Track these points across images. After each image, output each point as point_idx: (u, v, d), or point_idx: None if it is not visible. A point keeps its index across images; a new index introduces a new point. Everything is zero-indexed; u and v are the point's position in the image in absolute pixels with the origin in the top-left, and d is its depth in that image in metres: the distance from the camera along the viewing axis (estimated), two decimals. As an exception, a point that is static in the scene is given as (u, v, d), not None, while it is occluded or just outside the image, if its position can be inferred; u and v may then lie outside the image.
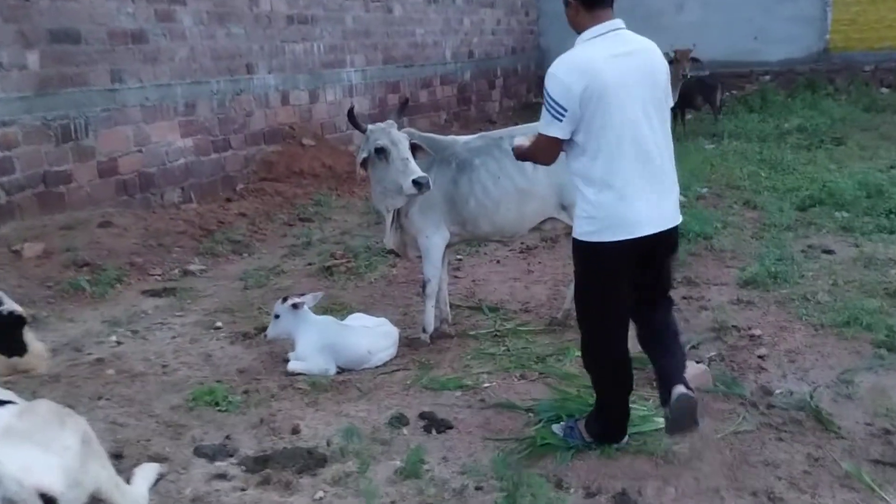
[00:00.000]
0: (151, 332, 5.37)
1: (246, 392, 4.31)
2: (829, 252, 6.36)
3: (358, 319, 4.83)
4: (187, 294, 6.16)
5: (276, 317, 4.55)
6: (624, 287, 3.38)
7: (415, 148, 4.69)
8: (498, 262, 6.77)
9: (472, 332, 5.17)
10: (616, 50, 3.23)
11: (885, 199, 7.60)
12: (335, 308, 5.65)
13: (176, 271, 6.76)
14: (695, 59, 12.16)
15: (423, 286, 4.98)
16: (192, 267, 6.85)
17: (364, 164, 4.67)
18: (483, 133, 5.36)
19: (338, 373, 4.57)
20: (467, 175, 4.86)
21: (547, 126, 3.27)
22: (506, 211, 4.83)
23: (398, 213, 4.91)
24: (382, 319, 4.89)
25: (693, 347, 4.66)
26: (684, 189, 8.67)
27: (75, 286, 6.12)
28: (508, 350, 4.79)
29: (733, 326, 4.94)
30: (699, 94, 13.14)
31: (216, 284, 6.45)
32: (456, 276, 6.42)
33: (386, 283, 6.33)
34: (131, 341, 5.19)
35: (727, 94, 14.46)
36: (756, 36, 16.73)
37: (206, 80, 9.38)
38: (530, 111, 16.39)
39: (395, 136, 4.58)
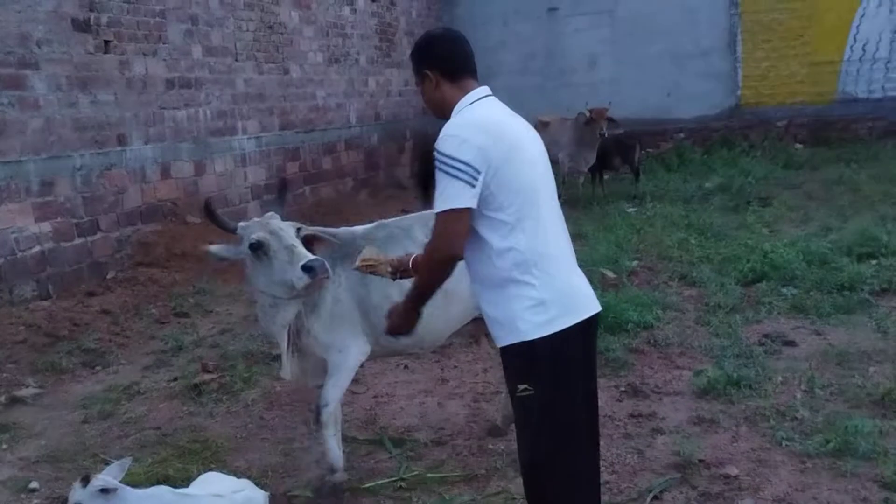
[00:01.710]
0: (-61, 501, 4.02)
1: None
2: (791, 343, 5.46)
3: (207, 484, 3.58)
4: (6, 434, 4.81)
5: (78, 506, 3.27)
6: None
7: (312, 240, 3.70)
8: (406, 367, 5.64)
9: (368, 485, 3.99)
10: (505, 111, 2.80)
11: (833, 272, 6.82)
12: (193, 449, 4.41)
13: (1, 398, 5.37)
14: (611, 119, 11.61)
15: (318, 412, 3.85)
16: (23, 391, 5.47)
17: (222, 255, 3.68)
18: (381, 221, 4.28)
19: (180, 566, 3.32)
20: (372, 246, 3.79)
21: (455, 196, 2.56)
22: (429, 318, 3.70)
23: (294, 334, 3.80)
24: (243, 482, 3.63)
25: (656, 498, 3.60)
26: (613, 262, 7.93)
27: None
28: (416, 515, 3.63)
29: (700, 461, 3.91)
30: (617, 154, 12.55)
31: (48, 416, 5.11)
32: (352, 392, 5.24)
33: (265, 406, 5.10)
34: None
35: (644, 152, 13.90)
36: (669, 93, 16.41)
37: (66, 154, 8.09)
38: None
39: (275, 226, 3.56)
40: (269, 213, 3.69)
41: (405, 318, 2.86)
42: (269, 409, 5.04)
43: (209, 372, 5.61)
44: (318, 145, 12.70)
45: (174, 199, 9.53)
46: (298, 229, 3.64)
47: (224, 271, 8.75)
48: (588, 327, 2.71)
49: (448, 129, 2.62)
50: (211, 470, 4.07)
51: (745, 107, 16.32)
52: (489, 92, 2.79)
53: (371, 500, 3.84)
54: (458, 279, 3.70)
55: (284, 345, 3.79)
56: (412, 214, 4.55)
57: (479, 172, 2.56)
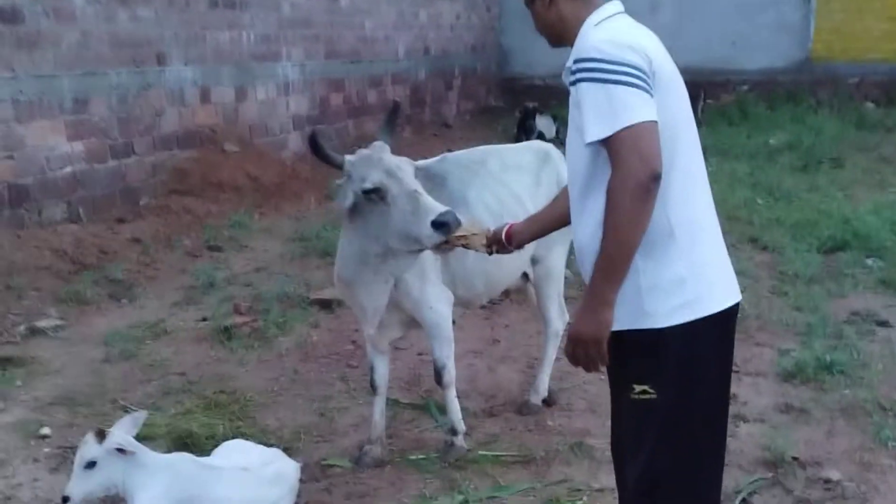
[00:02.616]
0: (-57, 442, 3.67)
1: None
2: (885, 324, 4.91)
3: (233, 453, 3.15)
4: (22, 369, 4.45)
5: (91, 465, 2.86)
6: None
7: None
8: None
9: (414, 457, 3.55)
10: (651, 34, 2.15)
11: (925, 244, 6.21)
12: (220, 402, 4.00)
13: (21, 329, 5.01)
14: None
15: (439, 376, 3.52)
16: (44, 322, 5.09)
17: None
18: (445, 155, 3.85)
19: (200, 542, 2.92)
20: (464, 213, 3.27)
21: (636, 105, 1.94)
22: (499, 262, 3.28)
23: None
24: (272, 452, 3.22)
25: (744, 502, 3.12)
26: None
27: None
28: (467, 502, 3.17)
29: (794, 459, 3.41)
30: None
31: (68, 352, 4.73)
32: (395, 348, 4.80)
33: (300, 357, 4.67)
34: None
35: (706, 102, 13.16)
36: (734, 42, 15.53)
37: (102, 71, 7.62)
38: (490, 115, 14.90)
39: (392, 164, 2.97)
40: (378, 144, 3.09)
41: (598, 317, 2.02)
42: (303, 361, 4.61)
43: (241, 314, 5.20)
44: (364, 77, 12.13)
45: (213, 125, 9.06)
46: (416, 167, 3.07)
47: (260, 205, 8.34)
48: (728, 320, 2.17)
49: (595, 36, 2.04)
50: (239, 427, 3.71)
51: (815, 61, 15.43)
52: (622, 8, 2.19)
53: (415, 476, 3.41)
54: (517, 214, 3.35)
55: (379, 300, 3.30)
56: (478, 147, 4.06)
57: (646, 75, 1.97)
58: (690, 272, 2.07)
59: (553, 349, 4.07)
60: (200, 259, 6.67)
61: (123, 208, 7.65)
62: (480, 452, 3.55)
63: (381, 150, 3.06)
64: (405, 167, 3.01)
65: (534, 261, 3.88)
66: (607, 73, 1.95)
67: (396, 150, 3.16)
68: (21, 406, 4.04)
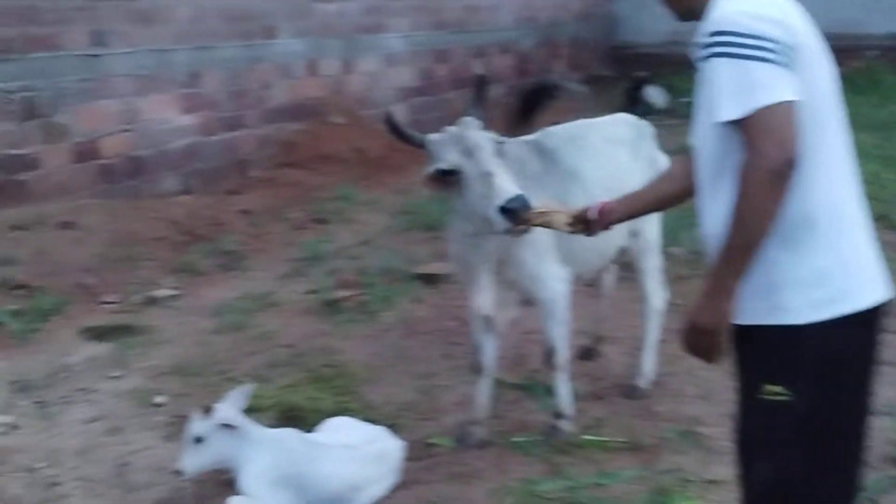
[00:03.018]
0: (66, 407, 3.83)
1: (145, 565, 2.73)
2: None
3: (338, 430, 3.18)
4: (139, 338, 4.61)
5: (198, 440, 2.92)
6: None
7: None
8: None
9: (517, 439, 3.49)
10: (793, 4, 1.96)
11: None
12: (325, 375, 4.04)
13: (137, 298, 5.20)
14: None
15: (550, 357, 3.45)
16: (159, 292, 5.28)
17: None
18: (547, 129, 3.74)
19: (305, 517, 2.96)
20: (579, 187, 3.37)
21: (773, 83, 1.78)
22: (612, 235, 3.08)
23: (497, 265, 3.29)
24: (377, 430, 3.22)
25: (870, 502, 2.93)
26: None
27: (-6, 321, 4.65)
28: (572, 489, 3.09)
29: (927, 458, 3.19)
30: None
31: (182, 322, 4.88)
32: (500, 326, 4.75)
33: (404, 332, 4.67)
34: (28, 426, 3.65)
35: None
36: (863, 4, 14.61)
37: (214, 45, 7.79)
38: (598, 86, 14.51)
39: (471, 142, 2.92)
40: (466, 119, 3.05)
41: (719, 306, 1.89)
42: (407, 337, 4.61)
43: (347, 287, 5.24)
44: (469, 48, 11.99)
45: (320, 97, 9.15)
46: (499, 144, 2.98)
47: (366, 177, 8.39)
48: (877, 318, 1.98)
49: (731, 7, 1.87)
50: (343, 402, 3.73)
51: (951, 24, 14.41)
52: None
53: (519, 458, 3.35)
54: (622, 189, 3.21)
55: (482, 278, 3.27)
56: (575, 121, 3.93)
57: (791, 57, 1.81)
58: (835, 264, 1.90)
59: (655, 328, 3.96)
60: (307, 231, 6.76)
61: (234, 180, 7.84)
62: (586, 437, 3.46)
63: (466, 126, 2.99)
64: (486, 146, 2.91)
65: (631, 234, 3.77)
66: (743, 47, 1.79)
67: (493, 123, 3.09)
68: (137, 374, 4.19)
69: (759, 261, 1.86)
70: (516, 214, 2.77)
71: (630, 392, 3.90)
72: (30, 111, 6.27)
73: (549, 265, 3.34)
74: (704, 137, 1.99)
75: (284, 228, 6.79)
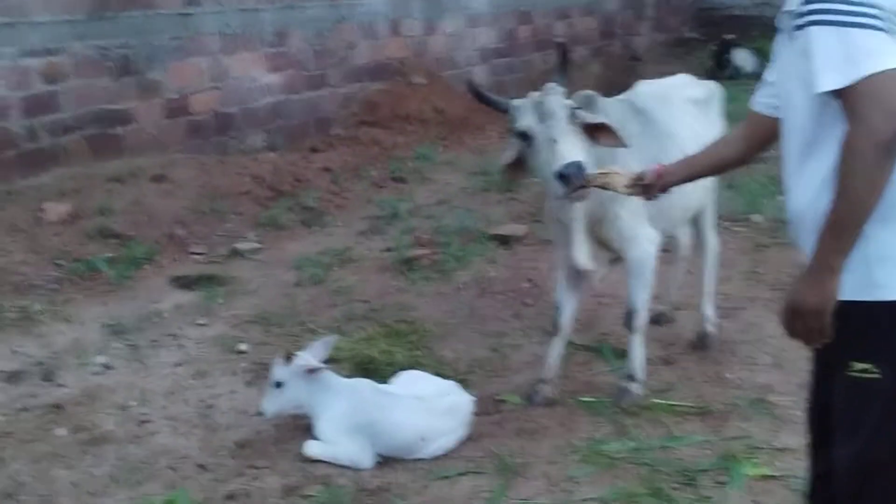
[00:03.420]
0: (156, 350, 4.04)
1: (228, 499, 2.89)
2: None
3: (410, 383, 3.29)
4: (224, 288, 4.81)
5: (278, 385, 3.07)
6: None
7: (598, 129, 3.08)
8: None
9: (586, 399, 3.54)
10: None
11: None
12: (400, 330, 4.15)
13: (223, 250, 5.41)
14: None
15: (630, 318, 3.50)
16: (243, 245, 5.48)
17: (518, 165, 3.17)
18: (635, 90, 3.84)
19: (377, 464, 3.08)
20: (675, 146, 3.40)
21: (882, 50, 1.71)
22: (686, 190, 3.16)
23: (593, 223, 3.37)
24: (448, 384, 3.32)
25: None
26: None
27: (91, 266, 4.90)
28: (638, 450, 3.13)
29: None
30: None
31: (265, 274, 5.07)
32: (573, 288, 4.78)
33: (478, 292, 4.75)
34: (121, 367, 3.87)
35: None
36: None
37: (300, 4, 7.91)
38: (684, 48, 14.16)
39: (548, 108, 2.99)
40: (550, 85, 3.10)
41: (823, 285, 1.84)
42: (480, 296, 4.68)
43: (422, 246, 5.34)
44: (552, 9, 11.82)
45: (402, 58, 9.20)
46: (574, 111, 3.03)
47: (445, 138, 8.45)
48: None
49: None
50: (416, 356, 3.84)
51: None
52: None
53: (587, 418, 3.39)
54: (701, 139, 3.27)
55: (578, 234, 3.33)
56: (651, 81, 4.00)
57: (893, 23, 1.74)
58: None
59: (714, 270, 4.11)
60: (386, 190, 6.88)
61: (316, 138, 8.00)
62: (654, 400, 3.48)
63: (549, 92, 3.05)
64: (560, 112, 2.98)
65: (708, 191, 3.88)
66: (845, 14, 1.72)
67: (580, 85, 3.12)
68: (222, 322, 4.39)
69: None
70: (571, 180, 2.84)
71: (700, 341, 3.99)
72: (125, 68, 6.52)
73: (642, 225, 3.41)
74: (795, 111, 1.93)
75: (364, 186, 6.92)
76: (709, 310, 4.04)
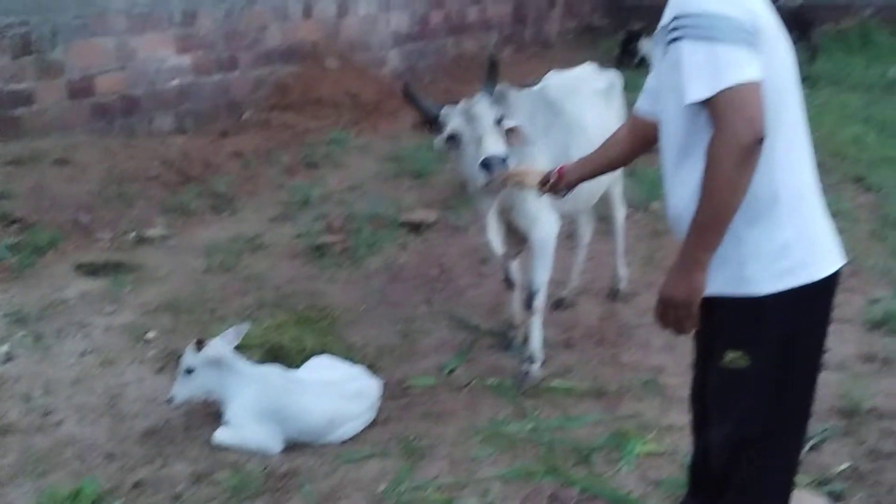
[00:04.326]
0: (60, 339, 4.00)
1: (136, 487, 2.92)
2: None
3: (319, 368, 3.37)
4: (131, 275, 4.76)
5: (189, 371, 3.11)
6: None
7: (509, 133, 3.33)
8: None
9: (490, 382, 3.70)
10: None
11: None
12: (310, 317, 4.21)
13: (130, 236, 5.35)
14: (790, -14, 10.27)
15: (531, 298, 3.71)
16: (151, 231, 5.42)
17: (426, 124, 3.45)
18: (545, 82, 4.11)
19: (286, 449, 3.16)
20: (582, 136, 3.72)
21: (740, 63, 1.86)
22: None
23: (504, 209, 3.65)
24: (356, 370, 3.42)
25: (812, 449, 3.14)
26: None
27: (-8, 254, 4.79)
28: (536, 430, 3.30)
29: (871, 411, 3.40)
30: (794, 28, 11.17)
31: (174, 261, 5.04)
32: (478, 274, 4.92)
33: (389, 278, 4.85)
34: (25, 357, 3.82)
35: (823, 28, 12.43)
36: (861, -39, 14.46)
37: (210, -16, 7.79)
38: (592, 35, 14.49)
39: (475, 112, 3.27)
40: (478, 97, 3.34)
41: (691, 279, 1.99)
42: (391, 282, 4.78)
43: (334, 232, 5.39)
44: (466, -7, 11.93)
45: (314, 41, 9.15)
46: (501, 118, 3.28)
47: (358, 122, 8.47)
48: (832, 286, 2.11)
49: None
50: (326, 343, 3.91)
51: (950, -16, 14.28)
52: None
53: (490, 401, 3.55)
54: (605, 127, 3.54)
55: (491, 225, 3.64)
56: (566, 73, 4.24)
57: (756, 36, 1.89)
58: (795, 238, 2.01)
59: (622, 236, 4.62)
60: (298, 175, 6.88)
61: (227, 121, 7.92)
62: (554, 383, 3.66)
63: (477, 100, 3.29)
64: (486, 116, 3.21)
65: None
66: (710, 28, 1.87)
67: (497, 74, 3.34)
68: (129, 310, 4.36)
69: (725, 235, 1.96)
70: (493, 169, 3.09)
71: (613, 294, 4.58)
72: (25, 46, 6.32)
73: (545, 210, 3.65)
74: (670, 119, 2.08)
75: (275, 171, 6.90)
76: (621, 269, 4.57)
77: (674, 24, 1.95)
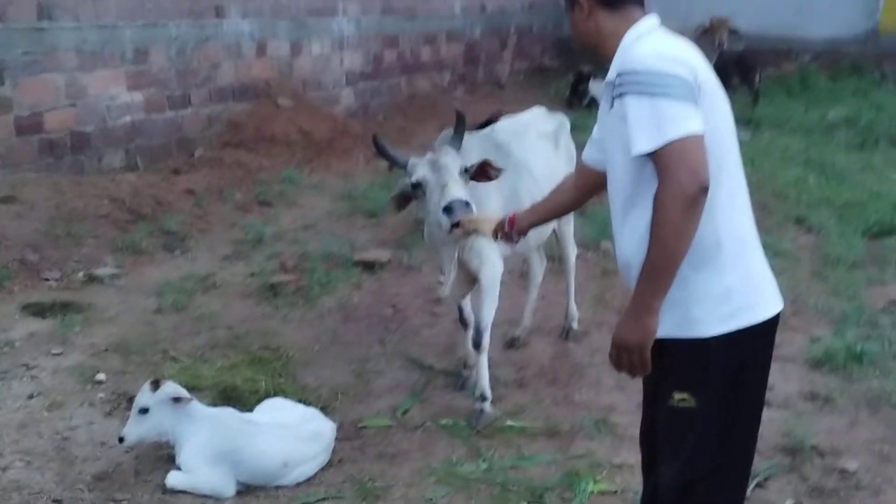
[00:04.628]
0: (6, 382, 3.91)
1: (85, 535, 2.89)
2: (922, 316, 4.90)
3: (273, 411, 3.37)
4: (80, 315, 4.69)
5: (143, 411, 3.09)
6: None
7: (484, 168, 3.41)
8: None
9: (444, 422, 3.72)
10: (692, 46, 2.16)
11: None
12: (263, 357, 4.20)
13: (79, 275, 5.27)
14: (733, 31, 10.56)
15: (479, 336, 3.79)
16: (101, 270, 5.35)
17: (402, 200, 3.51)
18: (494, 126, 4.30)
19: (239, 492, 3.14)
20: (529, 178, 3.89)
21: (684, 117, 1.96)
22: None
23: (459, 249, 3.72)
24: (310, 411, 3.43)
25: (758, 486, 3.22)
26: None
27: (-66, 294, 4.69)
28: (491, 470, 3.33)
29: (812, 448, 3.50)
30: (736, 72, 11.57)
31: (124, 301, 4.98)
32: (432, 314, 4.96)
33: (343, 318, 4.86)
34: (-30, 400, 3.75)
35: (764, 72, 12.85)
36: (799, 9, 15.04)
37: (163, 22, 7.79)
38: (543, 76, 14.78)
39: (441, 163, 3.37)
40: (444, 149, 3.45)
41: (643, 324, 2.05)
42: (345, 322, 4.79)
43: (287, 272, 5.39)
44: (419, 34, 12.09)
45: (268, 79, 9.19)
46: (466, 169, 3.38)
47: (311, 161, 8.50)
48: (772, 328, 2.21)
49: (638, 50, 2.07)
50: (280, 384, 3.91)
51: (883, 32, 14.88)
52: (659, 23, 2.21)
53: (444, 441, 3.58)
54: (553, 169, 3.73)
55: (449, 269, 3.66)
56: (514, 117, 4.44)
57: (696, 91, 2.00)
58: (738, 282, 2.11)
59: (573, 275, 4.72)
60: (251, 213, 6.86)
61: (179, 159, 7.88)
62: (508, 423, 3.70)
63: (443, 152, 3.40)
64: (452, 166, 3.32)
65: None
66: (653, 85, 1.97)
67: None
68: (78, 351, 4.29)
69: (674, 280, 2.04)
70: (456, 213, 3.17)
71: (565, 334, 4.65)
72: (-29, 82, 6.26)
73: (494, 251, 3.77)
74: (618, 170, 2.18)
75: (228, 209, 6.88)
76: (572, 309, 4.66)
77: (619, 80, 2.05)
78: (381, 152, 3.48)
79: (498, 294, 3.83)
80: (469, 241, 3.62)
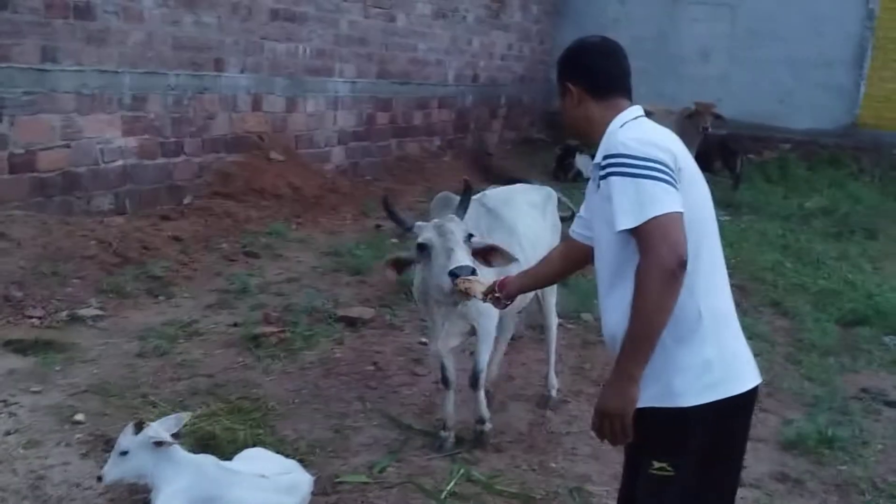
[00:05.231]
0: (-17, 417, 3.90)
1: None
2: (892, 405, 4.99)
3: (253, 460, 3.37)
4: (62, 354, 4.69)
5: (124, 453, 3.09)
6: None
7: (490, 251, 3.61)
8: (471, 353, 5.33)
9: (420, 482, 3.73)
10: (672, 134, 2.35)
11: (948, 330, 6.27)
12: (243, 408, 4.21)
13: (63, 314, 5.28)
14: (717, 116, 10.88)
15: (476, 377, 4.17)
16: (85, 311, 5.36)
17: (403, 264, 3.68)
18: (485, 192, 4.49)
19: (214, 541, 3.13)
20: (516, 240, 4.10)
21: (664, 198, 2.12)
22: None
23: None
24: (289, 463, 3.43)
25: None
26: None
27: (-84, 326, 4.67)
28: (467, 534, 3.35)
29: (782, 529, 3.55)
30: (719, 156, 11.92)
31: (107, 342, 4.98)
32: (413, 374, 5.00)
33: (324, 372, 4.88)
34: (-55, 433, 3.72)
35: (746, 158, 13.19)
36: (782, 100, 15.52)
37: (162, 71, 7.96)
38: (531, 147, 15.07)
39: (446, 228, 3.54)
40: (450, 216, 3.63)
41: (625, 392, 2.15)
42: (325, 377, 4.81)
43: (271, 324, 5.42)
44: (412, 99, 12.37)
45: (261, 132, 9.36)
46: (470, 236, 3.55)
47: (299, 215, 8.59)
48: (750, 401, 2.32)
49: (623, 135, 2.23)
50: (259, 435, 3.91)
51: (861, 127, 15.35)
52: (642, 112, 2.39)
53: (419, 501, 3.58)
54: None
55: (440, 327, 3.93)
56: (503, 187, 4.69)
57: (671, 170, 2.15)
58: (717, 355, 2.21)
59: (554, 344, 4.80)
60: (236, 264, 6.91)
61: (167, 205, 7.96)
62: (489, 480, 3.72)
63: (449, 219, 3.58)
64: (457, 232, 3.49)
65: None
66: (636, 167, 2.13)
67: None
68: (58, 390, 4.28)
69: (655, 350, 2.14)
70: (457, 276, 3.32)
71: (544, 402, 4.69)
72: (-32, 117, 6.33)
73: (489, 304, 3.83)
74: (603, 246, 2.33)
75: (214, 258, 6.93)
76: (552, 378, 4.75)
77: (605, 162, 2.22)
78: (388, 212, 3.70)
79: (493, 341, 4.18)
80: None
